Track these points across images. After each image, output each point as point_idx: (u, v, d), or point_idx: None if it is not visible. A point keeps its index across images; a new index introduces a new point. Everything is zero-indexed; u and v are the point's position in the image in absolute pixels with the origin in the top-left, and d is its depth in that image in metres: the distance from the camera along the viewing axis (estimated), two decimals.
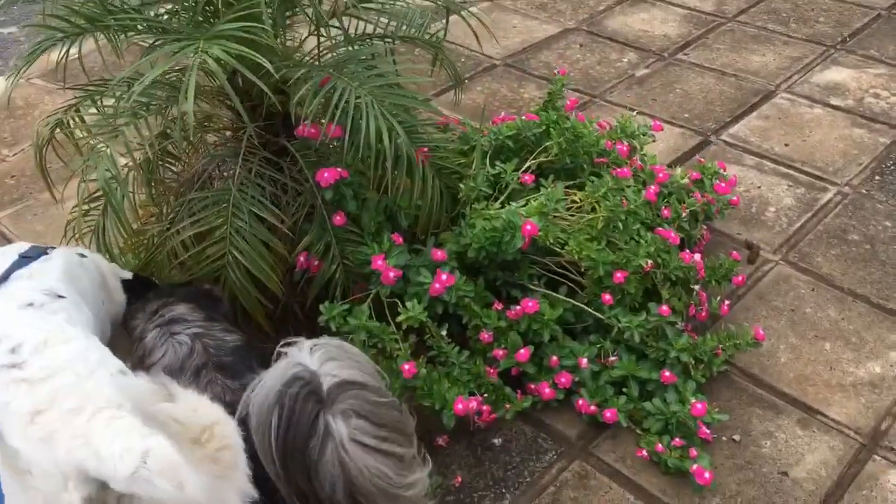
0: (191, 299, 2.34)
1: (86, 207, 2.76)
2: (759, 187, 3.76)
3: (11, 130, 4.35)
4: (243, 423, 1.86)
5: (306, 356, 1.90)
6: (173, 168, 2.88)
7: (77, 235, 2.83)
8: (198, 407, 1.80)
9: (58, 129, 2.80)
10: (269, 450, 1.83)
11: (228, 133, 2.88)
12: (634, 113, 3.57)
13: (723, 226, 3.49)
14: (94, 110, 2.74)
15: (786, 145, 4.03)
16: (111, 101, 2.69)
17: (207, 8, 2.41)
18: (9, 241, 3.55)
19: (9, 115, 4.48)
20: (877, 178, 3.81)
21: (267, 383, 1.87)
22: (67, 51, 2.67)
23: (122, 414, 1.66)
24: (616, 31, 5.15)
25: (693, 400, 2.59)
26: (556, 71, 3.74)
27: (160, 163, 2.72)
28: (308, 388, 1.83)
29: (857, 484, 2.57)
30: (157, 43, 2.32)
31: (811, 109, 4.29)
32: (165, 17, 2.54)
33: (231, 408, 1.91)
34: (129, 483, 1.57)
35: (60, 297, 2.08)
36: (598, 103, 4.40)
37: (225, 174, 2.76)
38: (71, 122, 2.81)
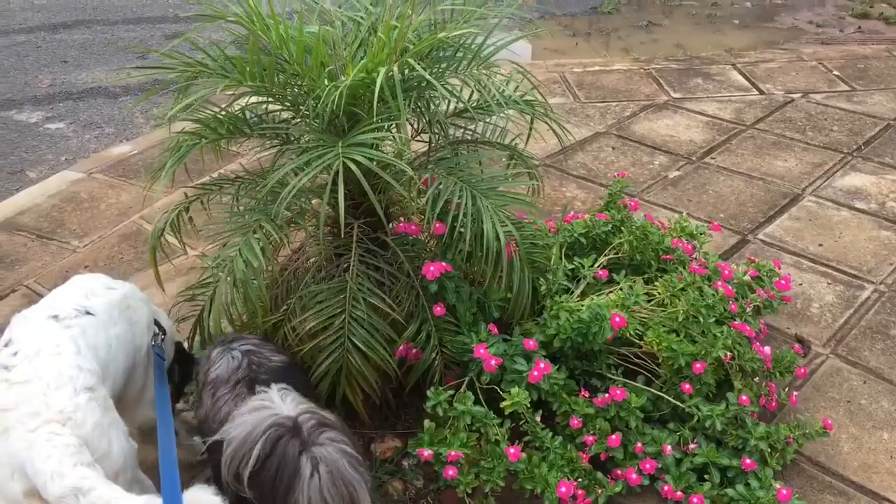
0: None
1: (191, 292, 2.93)
2: (801, 284, 4.00)
3: (79, 223, 4.52)
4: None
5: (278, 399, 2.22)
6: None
7: (178, 320, 2.99)
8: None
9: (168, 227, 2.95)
10: (243, 476, 2.09)
11: (327, 229, 3.07)
12: (685, 213, 3.82)
13: (773, 320, 3.70)
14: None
15: (820, 245, 4.30)
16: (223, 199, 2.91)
17: (331, 119, 2.63)
18: None
19: (75, 207, 4.66)
20: None
21: (248, 420, 2.15)
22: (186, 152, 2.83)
23: (63, 431, 2.00)
24: (644, 136, 5.48)
25: (777, 485, 2.74)
26: (615, 173, 3.99)
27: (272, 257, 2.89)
28: (290, 428, 2.10)
29: None
30: (296, 148, 2.53)
31: (838, 212, 4.59)
32: (288, 126, 2.76)
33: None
34: (56, 501, 1.89)
35: (88, 313, 2.39)
36: (638, 202, 4.66)
37: (317, 262, 2.94)
38: (181, 217, 2.96)
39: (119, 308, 2.55)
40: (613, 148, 5.35)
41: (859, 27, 7.86)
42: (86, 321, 2.38)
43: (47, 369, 2.15)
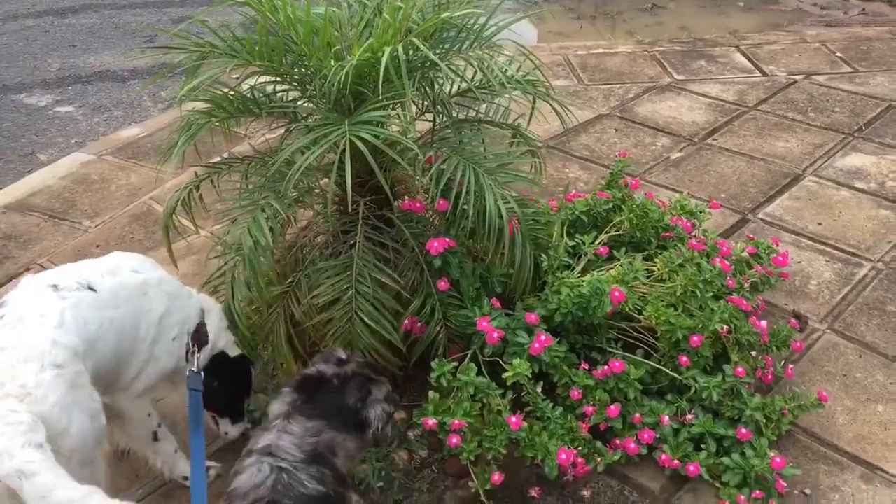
0: None
1: (212, 284, 3.02)
2: (800, 262, 4.06)
3: (91, 203, 4.60)
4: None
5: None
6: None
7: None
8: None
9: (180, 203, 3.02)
10: None
11: (335, 207, 3.14)
12: (685, 193, 3.88)
13: (771, 297, 3.76)
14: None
15: (819, 224, 4.36)
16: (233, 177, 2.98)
17: (338, 98, 2.70)
18: None
19: (86, 188, 4.75)
20: None
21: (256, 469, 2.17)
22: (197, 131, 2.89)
23: (20, 408, 2.06)
24: (647, 118, 5.53)
25: (772, 454, 2.82)
26: (617, 153, 4.06)
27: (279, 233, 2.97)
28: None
29: None
30: (303, 127, 2.60)
31: (838, 192, 4.64)
32: (296, 106, 2.83)
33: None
34: (3, 477, 1.96)
35: (91, 289, 2.44)
36: (640, 182, 4.72)
37: (324, 239, 3.01)
38: (191, 195, 3.04)
39: (130, 292, 2.56)
40: (616, 130, 5.40)
41: (863, 9, 7.86)
42: (84, 295, 2.41)
43: (25, 339, 2.22)
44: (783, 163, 4.94)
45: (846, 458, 3.06)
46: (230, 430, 2.96)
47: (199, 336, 2.78)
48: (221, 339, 2.89)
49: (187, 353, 2.72)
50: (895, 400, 3.29)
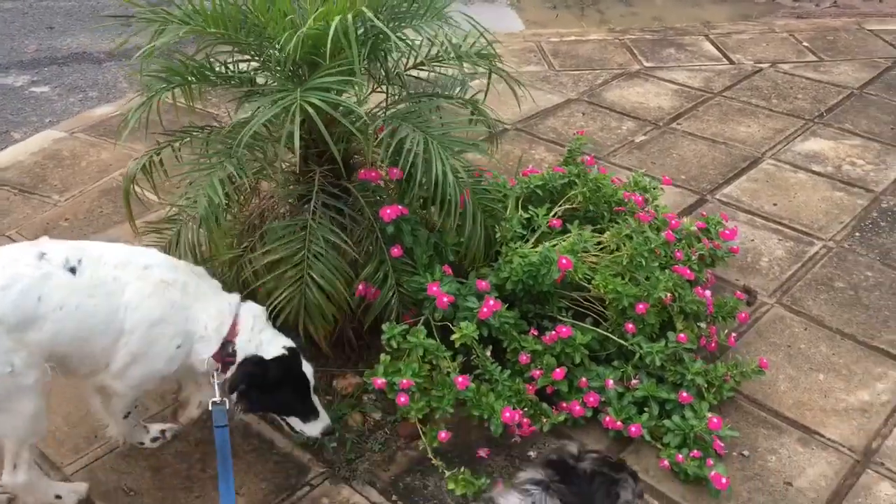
0: None
1: (157, 226, 3.09)
2: (753, 240, 4.18)
3: (61, 179, 4.66)
4: None
5: None
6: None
7: None
8: None
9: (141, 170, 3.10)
10: None
11: (289, 175, 3.23)
12: (643, 171, 3.99)
13: (723, 273, 3.88)
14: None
15: (774, 205, 4.48)
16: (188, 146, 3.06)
17: (293, 68, 2.78)
18: None
19: (57, 164, 4.81)
20: (857, 234, 4.24)
21: None
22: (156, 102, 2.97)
23: None
24: (614, 102, 5.64)
25: (709, 416, 2.92)
26: (575, 132, 4.16)
27: (236, 199, 3.05)
28: None
29: (853, 493, 2.89)
30: (255, 92, 2.68)
31: (795, 174, 4.76)
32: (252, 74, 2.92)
33: None
34: None
35: (72, 270, 2.48)
36: (603, 164, 4.82)
37: (285, 210, 3.10)
38: (151, 163, 3.11)
39: (113, 290, 2.52)
40: (584, 114, 5.50)
41: (835, 1, 7.99)
42: (58, 274, 2.45)
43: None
44: (744, 147, 5.05)
45: (785, 423, 3.17)
46: (305, 429, 2.76)
47: (225, 355, 2.65)
48: (254, 344, 2.67)
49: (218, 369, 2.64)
50: (836, 370, 3.41)
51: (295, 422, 2.76)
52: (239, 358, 2.65)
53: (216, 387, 2.63)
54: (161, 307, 2.58)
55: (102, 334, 2.53)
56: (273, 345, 2.69)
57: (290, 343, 2.71)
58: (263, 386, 2.66)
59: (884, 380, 3.37)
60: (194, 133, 3.10)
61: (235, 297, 2.74)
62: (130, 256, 2.62)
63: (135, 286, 2.55)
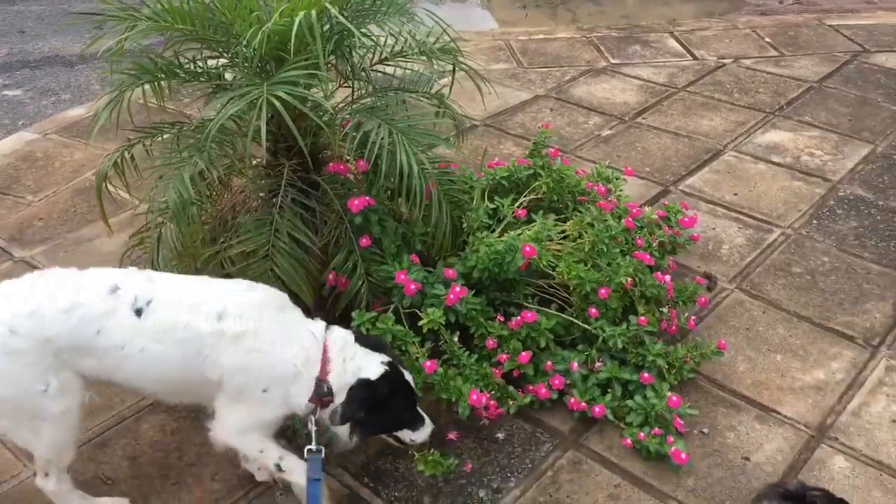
0: None
1: (140, 237, 3.15)
2: (714, 229, 4.31)
3: (34, 179, 4.70)
4: None
5: None
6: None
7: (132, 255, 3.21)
8: None
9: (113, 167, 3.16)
10: None
11: (260, 170, 3.30)
12: (607, 163, 4.10)
13: (684, 260, 4.00)
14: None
15: (735, 194, 4.61)
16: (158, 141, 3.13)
17: (261, 64, 2.86)
18: None
19: (30, 165, 4.84)
20: (814, 222, 4.38)
21: None
22: (126, 99, 3.03)
23: None
24: (581, 98, 5.76)
25: (670, 395, 3.04)
26: (541, 125, 4.26)
27: (207, 194, 3.12)
28: None
29: (808, 467, 3.01)
30: (224, 88, 2.76)
31: (755, 165, 4.90)
32: (221, 70, 2.99)
33: None
34: None
35: (138, 312, 2.44)
36: (570, 157, 4.94)
37: (257, 204, 3.18)
38: (123, 160, 3.17)
39: (184, 337, 2.44)
40: (552, 109, 5.61)
41: None
42: (124, 313, 2.41)
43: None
44: (706, 139, 5.19)
45: (744, 401, 3.29)
46: (415, 437, 2.72)
47: (321, 395, 2.55)
48: (350, 374, 2.58)
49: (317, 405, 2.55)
50: (793, 350, 3.53)
51: (405, 434, 2.70)
52: (337, 394, 2.55)
53: (313, 434, 2.53)
54: (241, 357, 2.47)
55: (184, 380, 2.51)
56: (372, 364, 2.59)
57: (385, 357, 2.64)
58: (376, 407, 2.57)
59: (838, 359, 3.50)
60: (165, 129, 3.16)
61: (319, 325, 2.63)
62: (204, 299, 2.51)
63: (209, 338, 2.45)
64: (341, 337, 2.62)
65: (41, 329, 2.37)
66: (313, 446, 2.51)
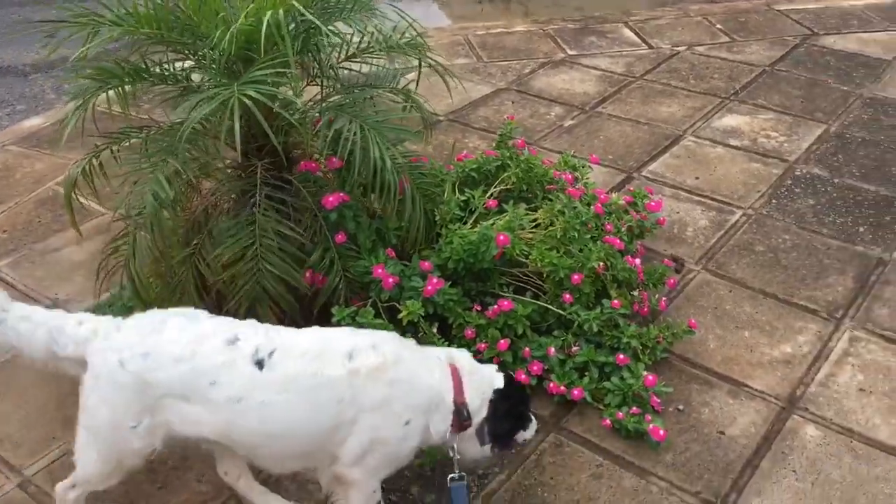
0: None
1: (115, 245, 3.13)
2: (678, 212, 4.40)
3: None
4: None
5: None
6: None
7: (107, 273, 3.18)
8: None
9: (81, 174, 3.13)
10: None
11: (230, 171, 3.30)
12: (572, 152, 4.17)
13: (652, 244, 4.08)
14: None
15: (696, 178, 4.72)
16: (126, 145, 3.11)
17: (228, 64, 2.86)
18: (12, 287, 3.81)
19: None
20: (773, 201, 4.51)
21: None
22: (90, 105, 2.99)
23: None
24: (542, 90, 5.83)
25: (645, 374, 3.11)
26: (506, 117, 4.32)
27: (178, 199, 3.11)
28: None
29: (781, 437, 3.11)
30: (192, 90, 2.76)
31: (714, 149, 5.02)
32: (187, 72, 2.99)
33: None
34: None
35: (259, 364, 2.35)
36: (534, 148, 4.99)
37: (228, 206, 3.18)
38: (91, 166, 3.14)
39: (313, 384, 2.35)
40: (513, 102, 5.68)
41: None
42: (242, 366, 2.33)
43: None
44: (666, 126, 5.29)
45: (716, 377, 3.38)
46: (527, 436, 2.72)
47: (462, 420, 2.49)
48: (481, 392, 2.54)
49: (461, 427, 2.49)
50: (760, 326, 3.64)
51: (519, 434, 2.68)
52: (474, 414, 2.50)
53: (455, 462, 2.50)
54: (382, 391, 2.39)
55: (305, 433, 2.41)
56: (489, 371, 2.60)
57: (492, 366, 2.65)
58: (514, 413, 2.59)
59: (804, 333, 3.61)
60: (132, 134, 3.15)
61: (440, 351, 2.61)
62: (327, 345, 2.44)
63: (343, 381, 2.37)
64: (465, 360, 2.58)
65: (150, 371, 2.34)
66: (455, 474, 2.49)
